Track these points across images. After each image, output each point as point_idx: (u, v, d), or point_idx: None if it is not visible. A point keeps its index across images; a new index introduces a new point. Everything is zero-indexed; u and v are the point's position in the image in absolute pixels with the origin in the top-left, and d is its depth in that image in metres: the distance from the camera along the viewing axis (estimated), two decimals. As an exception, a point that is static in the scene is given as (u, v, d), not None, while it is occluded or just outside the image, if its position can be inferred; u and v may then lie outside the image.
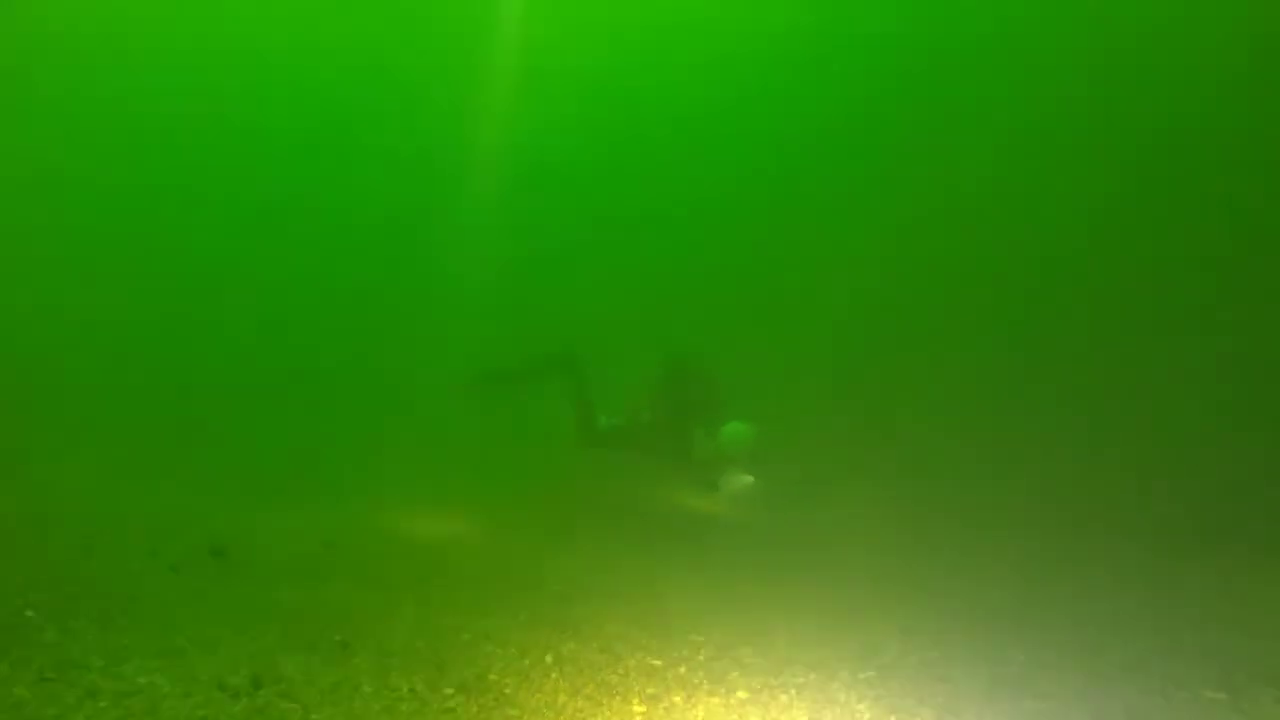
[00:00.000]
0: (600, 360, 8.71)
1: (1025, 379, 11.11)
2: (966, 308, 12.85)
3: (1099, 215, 12.80)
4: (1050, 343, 11.59)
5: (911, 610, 5.29)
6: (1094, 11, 13.75)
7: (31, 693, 3.25)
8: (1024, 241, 13.27)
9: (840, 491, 8.93)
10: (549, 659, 4.16)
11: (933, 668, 4.24)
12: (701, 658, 4.32)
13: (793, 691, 3.91)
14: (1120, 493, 8.32)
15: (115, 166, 17.62)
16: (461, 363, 10.53)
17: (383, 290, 17.53)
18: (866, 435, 10.33)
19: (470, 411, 10.58)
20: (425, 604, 4.96)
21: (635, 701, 3.73)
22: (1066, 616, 5.06)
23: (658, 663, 4.22)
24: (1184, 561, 6.48)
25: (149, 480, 7.80)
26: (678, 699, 3.79)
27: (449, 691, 3.72)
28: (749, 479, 7.44)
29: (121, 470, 8.00)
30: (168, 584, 4.80)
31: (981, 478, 8.94)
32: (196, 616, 4.32)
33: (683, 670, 4.13)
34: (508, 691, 3.75)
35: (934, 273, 13.78)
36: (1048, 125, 14.05)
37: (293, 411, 12.93)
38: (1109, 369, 10.76)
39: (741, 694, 3.86)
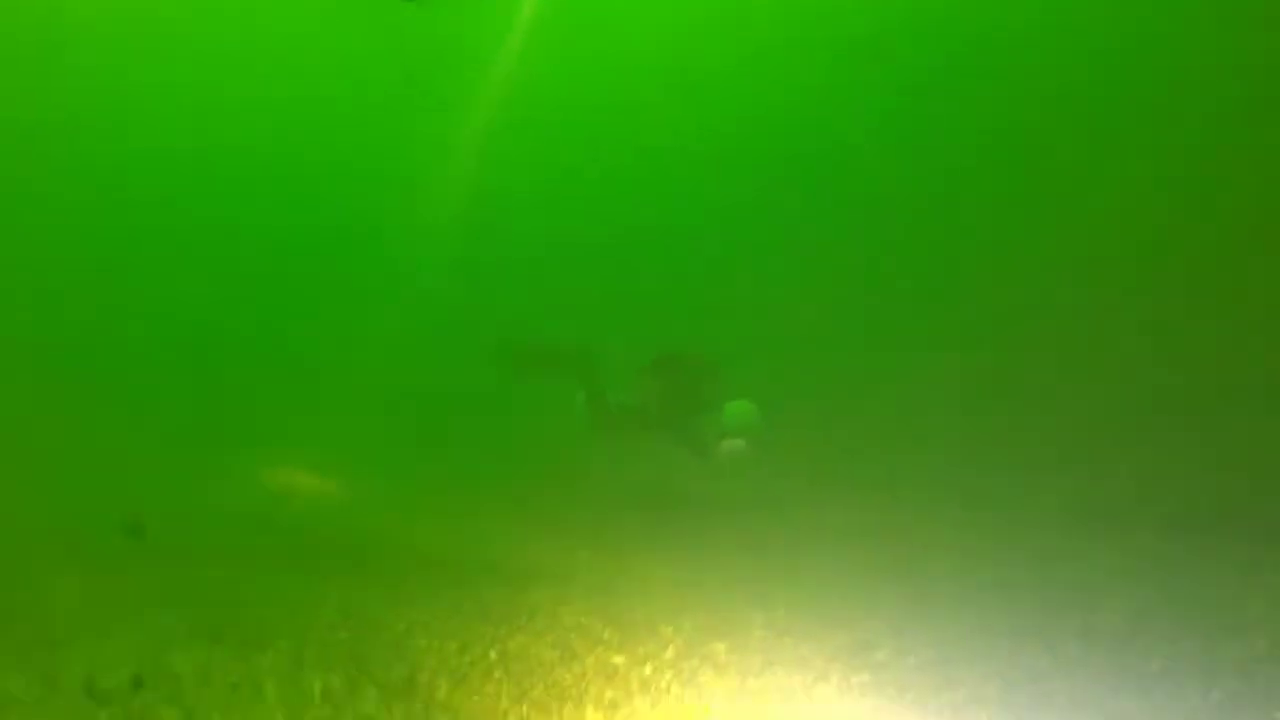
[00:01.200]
0: (611, 349, 9.00)
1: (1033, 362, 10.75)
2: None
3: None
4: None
5: (906, 604, 4.76)
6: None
7: None
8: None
9: (838, 473, 8.53)
10: (492, 655, 3.59)
11: (933, 670, 3.71)
12: (670, 655, 3.76)
13: (776, 696, 3.38)
14: (1134, 476, 7.86)
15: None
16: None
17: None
18: (872, 419, 9.96)
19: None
20: (357, 590, 4.38)
21: (590, 707, 3.18)
22: (1086, 612, 4.55)
23: (619, 660, 3.66)
24: (1201, 550, 6.01)
25: (65, 445, 7.10)
26: (641, 705, 3.24)
27: (370, 695, 3.15)
28: (741, 443, 7.74)
29: (30, 433, 7.25)
30: (60, 566, 4.18)
31: (990, 463, 8.46)
32: (86, 605, 3.72)
33: (648, 670, 3.58)
34: (439, 695, 3.18)
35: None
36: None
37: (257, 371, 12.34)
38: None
39: (715, 699, 3.31)
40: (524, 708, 3.12)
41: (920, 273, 14.18)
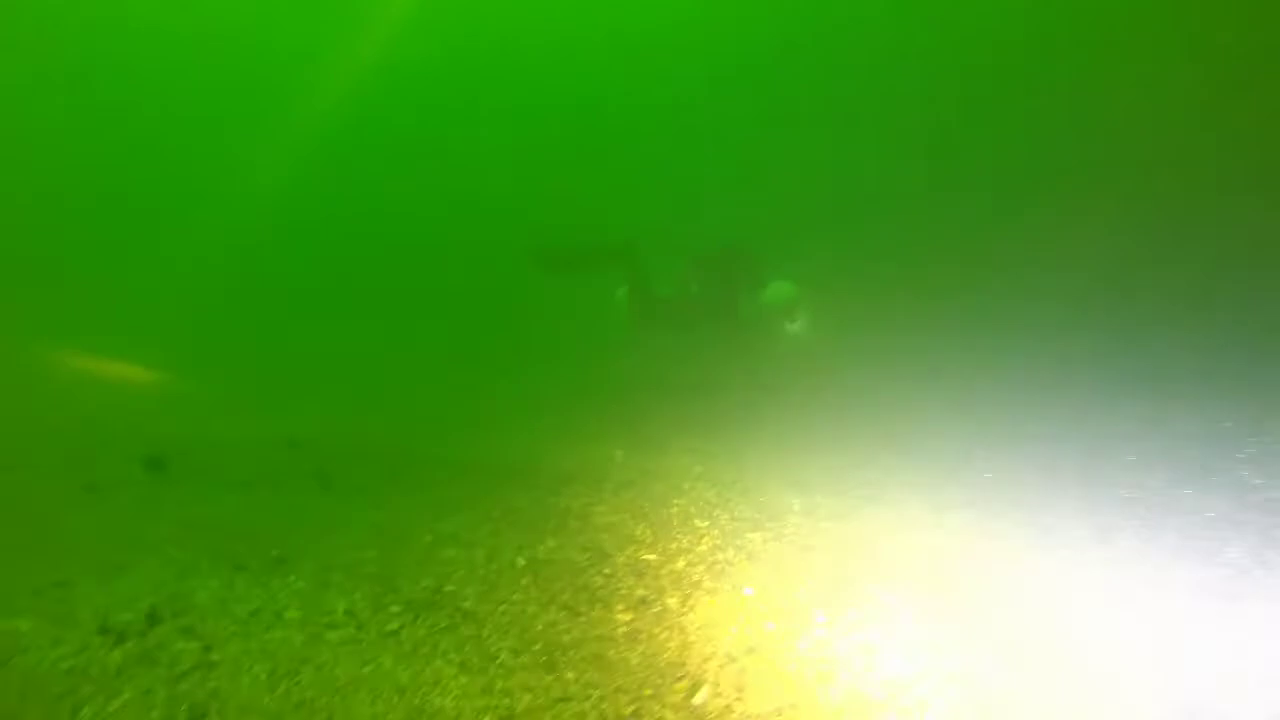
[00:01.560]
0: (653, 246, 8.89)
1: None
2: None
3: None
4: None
5: (948, 490, 4.54)
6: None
7: None
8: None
9: (877, 361, 8.28)
10: (520, 562, 3.47)
11: (977, 555, 3.51)
12: (703, 548, 3.62)
13: (812, 588, 3.21)
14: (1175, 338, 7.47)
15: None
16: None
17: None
18: (911, 307, 9.65)
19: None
20: (386, 507, 4.28)
21: (619, 608, 3.04)
22: (1129, 481, 4.29)
23: (651, 558, 3.52)
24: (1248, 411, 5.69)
25: (84, 379, 7.08)
26: (672, 601, 3.10)
27: (394, 610, 3.04)
28: (793, 326, 7.50)
29: (50, 367, 7.23)
30: (78, 504, 4.12)
31: (1030, 339, 8.12)
32: (104, 540, 3.65)
33: (680, 565, 3.44)
34: (466, 605, 3.07)
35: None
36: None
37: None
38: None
39: (748, 591, 3.16)
40: (551, 613, 3.00)
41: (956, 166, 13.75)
